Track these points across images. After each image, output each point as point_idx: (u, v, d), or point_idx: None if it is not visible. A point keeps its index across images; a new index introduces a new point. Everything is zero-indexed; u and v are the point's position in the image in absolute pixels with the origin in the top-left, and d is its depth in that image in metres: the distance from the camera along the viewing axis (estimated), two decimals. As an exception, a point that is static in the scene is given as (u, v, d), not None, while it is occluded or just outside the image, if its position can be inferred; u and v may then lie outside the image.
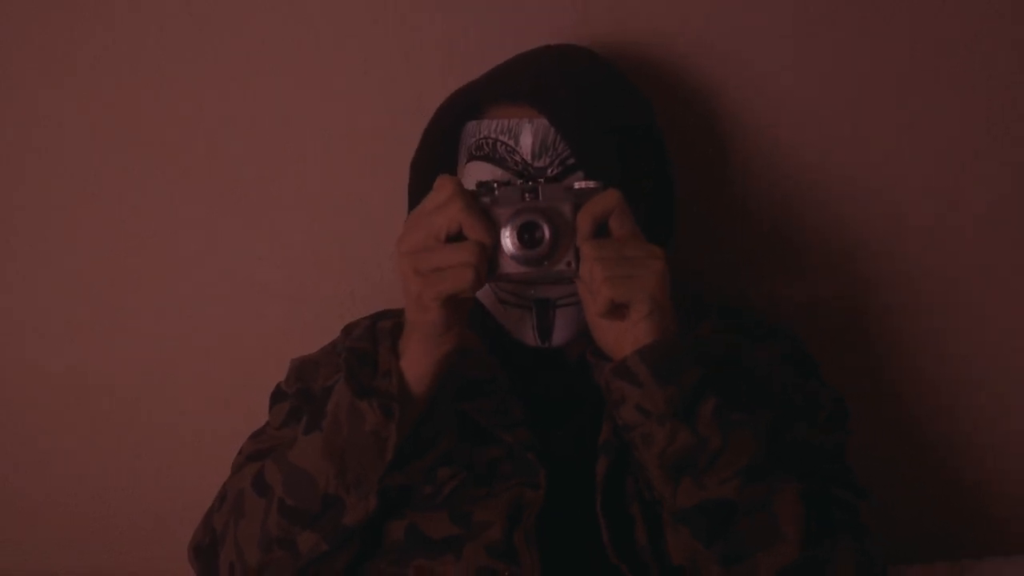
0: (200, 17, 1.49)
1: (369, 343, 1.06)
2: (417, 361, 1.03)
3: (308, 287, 1.54)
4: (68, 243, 1.55)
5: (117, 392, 1.59)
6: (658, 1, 1.44)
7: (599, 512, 1.07)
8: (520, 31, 1.38)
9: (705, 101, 1.46)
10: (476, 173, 1.15)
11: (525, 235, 1.00)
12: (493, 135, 1.14)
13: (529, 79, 1.16)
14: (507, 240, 1.01)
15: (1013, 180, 1.50)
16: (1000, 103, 1.48)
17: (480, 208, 1.01)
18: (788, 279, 1.51)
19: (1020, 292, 1.53)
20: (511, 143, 1.13)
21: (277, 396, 1.26)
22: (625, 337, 1.01)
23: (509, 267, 1.01)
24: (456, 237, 1.00)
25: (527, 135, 1.12)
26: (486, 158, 1.15)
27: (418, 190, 1.17)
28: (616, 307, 1.00)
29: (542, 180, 1.10)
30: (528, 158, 1.12)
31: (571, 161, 1.12)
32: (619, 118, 1.17)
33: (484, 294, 1.16)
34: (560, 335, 1.14)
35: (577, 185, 1.03)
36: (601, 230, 1.01)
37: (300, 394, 1.21)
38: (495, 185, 1.03)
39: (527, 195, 1.02)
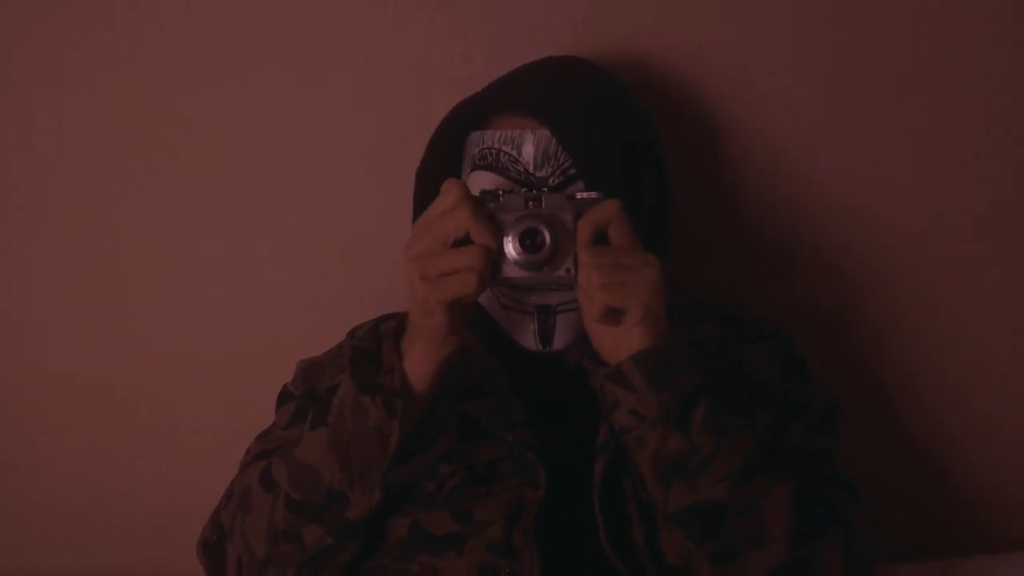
0: (200, 17, 1.49)
1: (373, 342, 1.09)
2: (420, 362, 1.06)
3: (313, 290, 1.54)
4: (68, 243, 1.55)
5: (117, 392, 1.59)
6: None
7: (597, 511, 1.10)
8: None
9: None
10: (480, 182, 1.17)
11: (527, 241, 1.04)
12: (496, 145, 1.17)
13: (532, 91, 1.19)
14: (509, 245, 1.04)
15: (1013, 180, 1.50)
16: (1000, 103, 1.49)
17: (486, 213, 1.04)
18: (788, 284, 1.52)
19: (1020, 292, 1.53)
20: (514, 153, 1.15)
21: (284, 397, 1.28)
22: (620, 343, 1.04)
23: (511, 271, 1.05)
24: (462, 241, 1.03)
25: (529, 145, 1.15)
26: (490, 168, 1.17)
27: (423, 198, 1.19)
28: (611, 313, 1.03)
29: (545, 189, 1.12)
30: (530, 168, 1.15)
31: (572, 171, 1.15)
32: (621, 131, 1.20)
33: (487, 298, 1.18)
34: (560, 340, 1.16)
35: (579, 195, 1.07)
36: (600, 239, 1.04)
37: (306, 395, 1.24)
38: (500, 193, 1.07)
39: (530, 203, 1.06)
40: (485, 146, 1.17)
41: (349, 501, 1.08)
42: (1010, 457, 1.56)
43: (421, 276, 1.03)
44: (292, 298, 1.55)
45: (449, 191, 1.04)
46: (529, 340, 1.16)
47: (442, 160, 1.22)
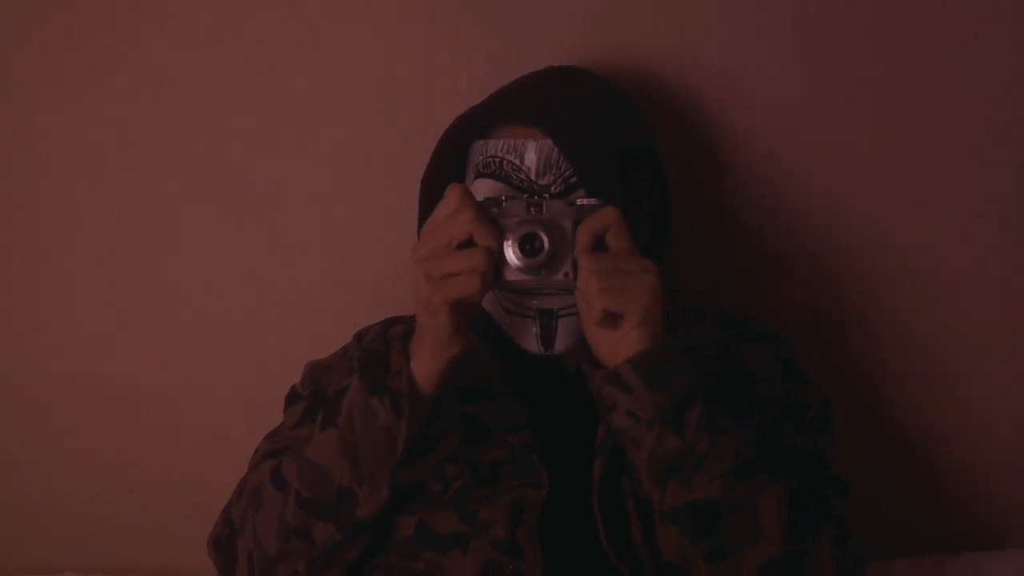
0: (200, 17, 1.49)
1: (382, 345, 1.12)
2: (427, 362, 1.09)
3: (313, 290, 1.54)
4: (68, 243, 1.55)
5: (117, 392, 1.59)
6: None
7: (596, 510, 1.12)
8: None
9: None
10: (483, 190, 1.19)
11: (527, 245, 1.07)
12: (499, 154, 1.19)
13: (534, 101, 1.22)
14: (509, 250, 1.07)
15: (1013, 180, 1.50)
16: (1000, 103, 1.49)
17: (489, 216, 1.07)
18: (788, 288, 1.52)
19: (1020, 292, 1.53)
20: (516, 162, 1.18)
21: (292, 398, 1.30)
22: (618, 346, 1.06)
23: (511, 275, 1.08)
24: (465, 244, 1.06)
25: (532, 154, 1.18)
26: (493, 176, 1.20)
27: (428, 204, 1.21)
28: (610, 316, 1.06)
29: (546, 195, 1.15)
30: (533, 176, 1.18)
31: (574, 179, 1.17)
32: (621, 139, 1.23)
33: (490, 303, 1.21)
34: (562, 344, 1.18)
35: (579, 201, 1.10)
36: (599, 244, 1.07)
37: (314, 396, 1.26)
38: (502, 199, 1.10)
39: (532, 208, 1.09)
40: (488, 154, 1.20)
41: (358, 499, 1.11)
42: (1002, 458, 1.57)
43: (426, 276, 1.06)
44: (291, 298, 1.55)
45: (451, 195, 1.07)
46: (531, 343, 1.19)
47: (446, 168, 1.25)
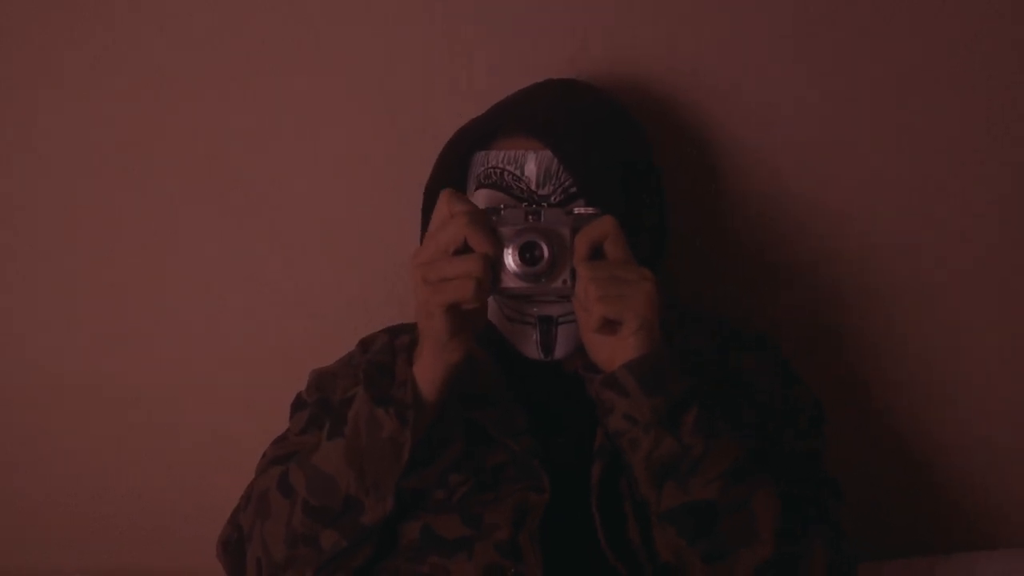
0: (200, 17, 1.49)
1: (388, 356, 1.14)
2: (428, 367, 1.11)
3: (313, 291, 1.55)
4: (68, 243, 1.55)
5: (117, 392, 1.59)
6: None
7: (595, 512, 1.14)
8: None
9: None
10: (484, 200, 1.22)
11: (526, 254, 1.10)
12: (500, 165, 1.21)
13: (534, 113, 1.24)
14: (509, 257, 1.10)
15: (1013, 180, 1.51)
16: (1000, 103, 1.49)
17: (483, 221, 1.10)
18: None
19: (1020, 293, 1.53)
20: (517, 172, 1.20)
21: (298, 405, 1.32)
22: (616, 352, 1.09)
23: (510, 282, 1.10)
24: (465, 250, 1.08)
25: (532, 165, 1.20)
26: (494, 186, 1.22)
27: (430, 213, 1.24)
28: (608, 323, 1.08)
29: (545, 204, 1.18)
30: (533, 186, 1.20)
31: (573, 190, 1.19)
32: (622, 151, 1.25)
33: (492, 311, 1.22)
34: (561, 349, 1.20)
35: (577, 210, 1.13)
36: (597, 253, 1.10)
37: (319, 403, 1.28)
38: (501, 207, 1.12)
39: (530, 217, 1.11)
40: (489, 165, 1.22)
41: (364, 507, 1.14)
42: (995, 460, 1.57)
43: (424, 281, 1.08)
44: (291, 298, 1.55)
45: (441, 201, 1.11)
46: (531, 349, 1.21)
47: (448, 177, 1.26)
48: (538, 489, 1.16)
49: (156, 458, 1.60)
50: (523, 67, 1.41)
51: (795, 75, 1.48)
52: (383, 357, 1.15)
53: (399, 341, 1.15)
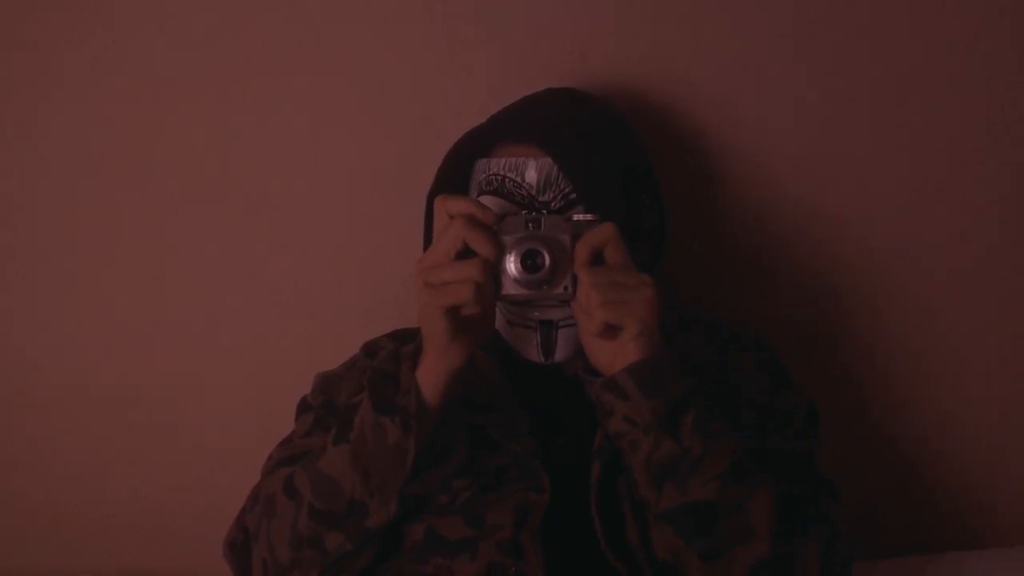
0: (200, 17, 1.49)
1: (393, 365, 1.16)
2: (431, 371, 1.13)
3: (313, 292, 1.55)
4: (68, 243, 1.55)
5: (117, 392, 1.59)
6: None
7: (594, 512, 1.16)
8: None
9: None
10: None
11: (528, 261, 1.12)
12: (501, 172, 1.23)
13: (534, 121, 1.27)
14: (511, 264, 1.12)
15: (1013, 180, 1.51)
16: (1000, 103, 1.49)
17: (481, 223, 1.11)
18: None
19: (1020, 293, 1.53)
20: (518, 179, 1.22)
21: (303, 408, 1.34)
22: (616, 356, 1.11)
23: (512, 288, 1.12)
24: (467, 253, 1.10)
25: (532, 172, 1.22)
26: (495, 192, 1.24)
27: (433, 220, 1.27)
28: (609, 328, 1.10)
29: (544, 211, 1.20)
30: (534, 193, 1.22)
31: (573, 196, 1.21)
32: (621, 157, 1.28)
33: (497, 319, 1.24)
34: (561, 353, 1.23)
35: (576, 217, 1.14)
36: (597, 259, 1.12)
37: (324, 405, 1.30)
38: (502, 215, 1.14)
39: (530, 224, 1.13)
40: (491, 172, 1.24)
41: (369, 511, 1.15)
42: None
43: (426, 283, 1.10)
44: (291, 297, 1.55)
45: (438, 208, 1.13)
46: (532, 353, 1.23)
47: (450, 185, 1.28)
48: (538, 489, 1.18)
49: (156, 458, 1.60)
50: (523, 67, 1.42)
51: (794, 76, 1.48)
52: (388, 366, 1.16)
53: (404, 349, 1.16)
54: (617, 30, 1.47)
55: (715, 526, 1.10)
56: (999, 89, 1.48)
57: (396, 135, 1.50)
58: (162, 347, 1.57)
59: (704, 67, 1.47)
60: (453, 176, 1.28)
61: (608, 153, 1.25)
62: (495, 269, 1.11)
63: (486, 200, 1.23)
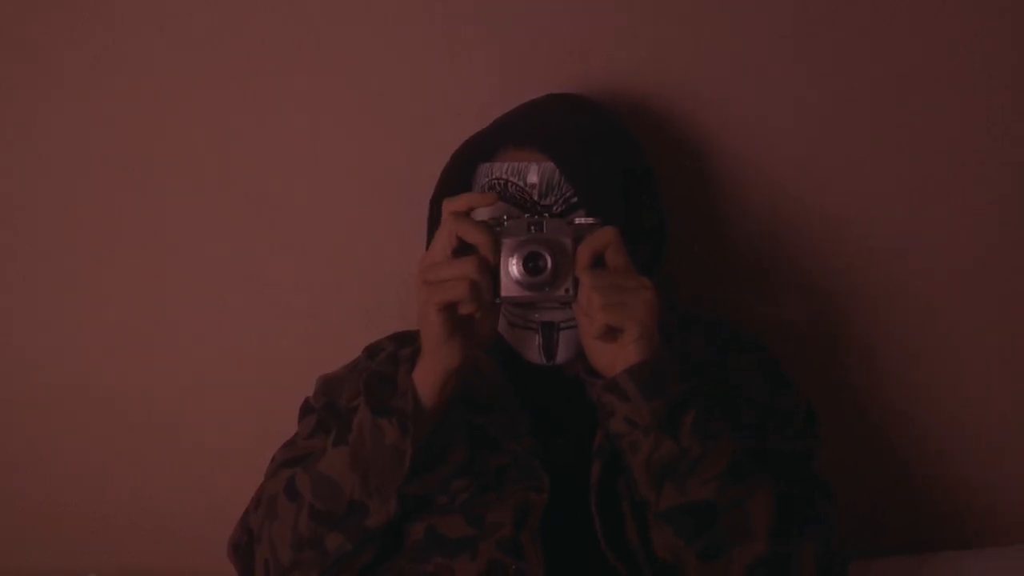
0: (200, 17, 1.49)
1: (390, 367, 1.18)
2: (428, 371, 1.14)
3: (313, 292, 1.55)
4: (68, 243, 1.56)
5: (117, 392, 1.59)
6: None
7: (594, 511, 1.16)
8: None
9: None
10: (489, 210, 1.23)
11: (530, 263, 1.13)
12: (504, 176, 1.24)
13: (536, 126, 1.28)
14: (513, 267, 1.13)
15: (1013, 180, 1.51)
16: (1000, 103, 1.49)
17: (478, 223, 1.13)
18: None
19: (1020, 293, 1.53)
20: (520, 183, 1.23)
21: (305, 410, 1.35)
22: (617, 357, 1.12)
23: (514, 290, 1.14)
24: (465, 251, 1.12)
25: (534, 176, 1.23)
26: (497, 196, 1.22)
27: (435, 224, 1.27)
28: (610, 331, 1.12)
29: (546, 215, 1.21)
30: (536, 197, 1.23)
31: (574, 200, 1.22)
32: (621, 160, 1.29)
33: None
34: (563, 354, 1.23)
35: (578, 220, 1.16)
36: (598, 262, 1.13)
37: (326, 407, 1.31)
38: (504, 218, 1.16)
39: (532, 227, 1.15)
40: (493, 176, 1.25)
41: (369, 511, 1.17)
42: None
43: (424, 281, 1.12)
44: (292, 297, 1.55)
45: (445, 211, 1.14)
46: (534, 354, 1.24)
47: (453, 189, 1.28)
48: (538, 489, 1.18)
49: (156, 458, 1.60)
50: (523, 67, 1.42)
51: (794, 76, 1.48)
52: (386, 368, 1.18)
53: (403, 352, 1.18)
54: (617, 30, 1.47)
55: (715, 526, 1.11)
56: (999, 89, 1.48)
57: (396, 135, 1.50)
58: (162, 347, 1.57)
59: (704, 67, 1.48)
60: (456, 180, 1.29)
61: (608, 157, 1.27)
62: (493, 268, 1.12)
63: None
